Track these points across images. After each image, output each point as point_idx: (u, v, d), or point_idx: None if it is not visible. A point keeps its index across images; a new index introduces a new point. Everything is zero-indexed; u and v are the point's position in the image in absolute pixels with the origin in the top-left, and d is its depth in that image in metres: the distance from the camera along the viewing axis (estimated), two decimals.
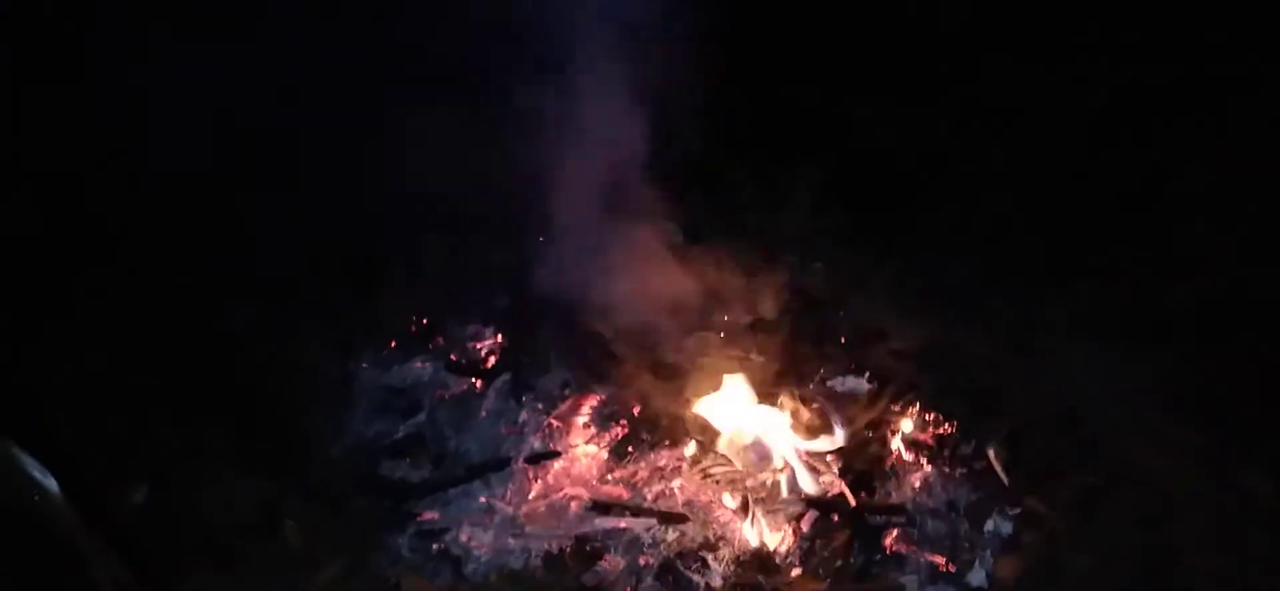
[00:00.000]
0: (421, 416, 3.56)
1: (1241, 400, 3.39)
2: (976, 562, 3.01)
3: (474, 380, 3.68)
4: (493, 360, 3.79)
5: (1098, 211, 4.14)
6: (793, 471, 3.25)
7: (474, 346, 3.85)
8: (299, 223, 3.83)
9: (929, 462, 3.31)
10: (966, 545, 3.06)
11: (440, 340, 3.86)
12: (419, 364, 3.75)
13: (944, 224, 4.23)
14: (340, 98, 3.78)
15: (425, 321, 3.93)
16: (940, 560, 3.01)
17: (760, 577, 2.96)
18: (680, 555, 3.02)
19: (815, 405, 3.47)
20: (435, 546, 3.09)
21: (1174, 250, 3.94)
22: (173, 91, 3.69)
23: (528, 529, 3.14)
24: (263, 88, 3.62)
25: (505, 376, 3.64)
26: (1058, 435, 3.37)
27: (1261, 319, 3.64)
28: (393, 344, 3.83)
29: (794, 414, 3.43)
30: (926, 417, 3.45)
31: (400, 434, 3.51)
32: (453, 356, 3.79)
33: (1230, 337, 3.61)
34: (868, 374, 3.64)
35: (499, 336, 3.87)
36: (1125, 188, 4.15)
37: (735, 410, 3.41)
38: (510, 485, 3.29)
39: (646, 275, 3.49)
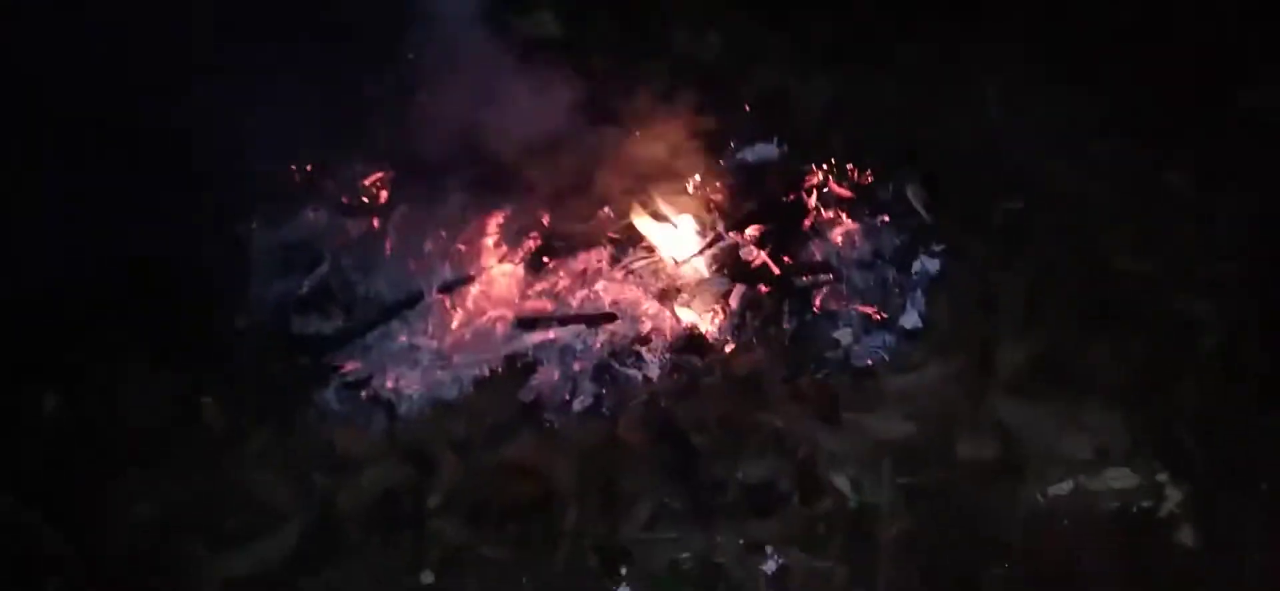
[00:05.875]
0: (324, 267, 3.36)
1: (1156, 102, 3.41)
2: (908, 305, 3.02)
3: (371, 219, 3.49)
4: (386, 195, 3.58)
5: None
6: (713, 249, 3.19)
7: (364, 184, 3.63)
8: (158, 97, 3.52)
9: (849, 216, 3.27)
10: (897, 290, 3.07)
11: (329, 184, 3.63)
12: (311, 213, 3.53)
13: None
14: None
15: (309, 169, 3.68)
16: (871, 309, 3.01)
17: (695, 359, 2.94)
18: (613, 354, 2.98)
19: (727, 179, 3.39)
20: (363, 394, 2.98)
21: None
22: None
23: (455, 359, 3.04)
24: None
25: (402, 209, 3.46)
26: (978, 168, 3.36)
27: (1172, 14, 3.60)
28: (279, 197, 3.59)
29: (707, 191, 3.35)
30: (842, 172, 3.39)
31: (305, 288, 3.32)
32: (344, 199, 3.58)
33: (1144, 41, 3.58)
34: (777, 138, 3.55)
35: (388, 169, 3.64)
36: None
37: (646, 199, 3.29)
38: (430, 318, 3.17)
39: (531, 76, 3.31)
